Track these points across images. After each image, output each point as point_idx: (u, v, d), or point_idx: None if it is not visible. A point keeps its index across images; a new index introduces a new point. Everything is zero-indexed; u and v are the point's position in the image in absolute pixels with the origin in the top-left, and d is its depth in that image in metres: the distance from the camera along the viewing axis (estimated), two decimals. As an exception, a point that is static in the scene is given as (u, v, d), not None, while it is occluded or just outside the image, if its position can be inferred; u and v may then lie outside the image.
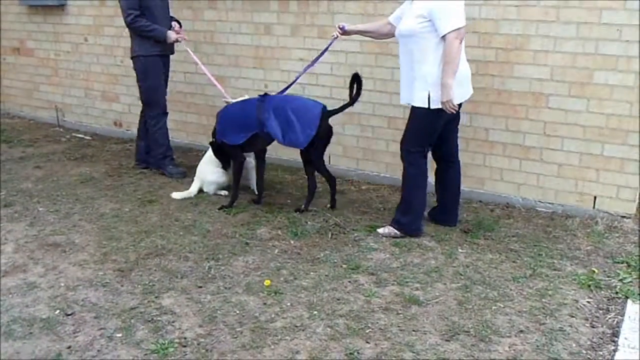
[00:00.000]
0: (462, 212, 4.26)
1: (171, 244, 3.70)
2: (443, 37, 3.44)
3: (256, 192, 4.52)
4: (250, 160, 4.58)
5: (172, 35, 4.70)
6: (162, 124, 4.91)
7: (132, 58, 4.84)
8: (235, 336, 2.77)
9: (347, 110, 4.19)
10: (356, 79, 4.06)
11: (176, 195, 4.54)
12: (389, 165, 4.86)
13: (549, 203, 4.28)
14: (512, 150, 4.36)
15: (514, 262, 3.51)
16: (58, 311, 2.97)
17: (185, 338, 2.75)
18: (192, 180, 4.64)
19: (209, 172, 4.56)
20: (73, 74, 6.38)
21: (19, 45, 6.72)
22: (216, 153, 4.49)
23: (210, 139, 4.50)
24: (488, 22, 4.26)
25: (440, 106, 3.56)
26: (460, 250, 3.69)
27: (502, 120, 4.36)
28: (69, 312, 2.95)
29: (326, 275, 3.35)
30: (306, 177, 4.27)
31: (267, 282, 3.22)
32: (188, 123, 5.77)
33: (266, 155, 4.51)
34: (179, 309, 2.99)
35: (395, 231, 3.84)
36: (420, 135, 3.77)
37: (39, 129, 6.48)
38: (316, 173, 4.25)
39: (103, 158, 5.52)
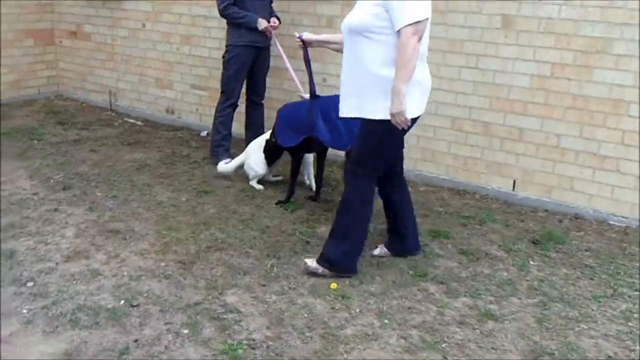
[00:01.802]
0: (528, 221, 4.05)
1: (231, 238, 3.57)
2: (398, 32, 2.77)
3: (313, 189, 4.37)
4: (309, 155, 4.43)
5: (262, 22, 4.56)
6: (227, 114, 4.81)
7: (225, 47, 4.75)
8: (305, 341, 2.62)
9: None
10: None
11: (220, 166, 4.54)
12: (449, 168, 4.66)
13: (623, 217, 4.02)
14: (585, 159, 4.11)
15: (591, 279, 3.29)
16: (123, 301, 2.86)
17: (253, 340, 2.61)
18: (245, 174, 4.51)
19: (255, 157, 4.42)
20: (128, 59, 6.31)
21: (75, 29, 6.68)
22: (266, 151, 4.35)
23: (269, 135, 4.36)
24: (567, 22, 4.01)
25: None
26: (531, 262, 3.48)
27: (576, 126, 4.10)
28: (134, 304, 2.84)
29: (393, 282, 3.17)
30: None
31: (333, 285, 3.07)
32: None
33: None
34: (244, 307, 2.86)
35: (324, 269, 3.15)
36: (373, 155, 3.05)
37: (91, 112, 6.43)
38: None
39: (156, 145, 5.44)
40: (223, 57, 4.76)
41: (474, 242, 3.71)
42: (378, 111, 2.90)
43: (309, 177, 4.49)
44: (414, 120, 2.99)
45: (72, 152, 5.08)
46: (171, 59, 5.97)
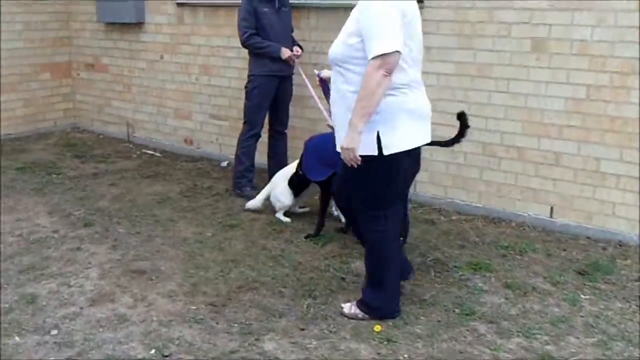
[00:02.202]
0: (570, 250, 3.82)
1: (262, 277, 3.36)
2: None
3: (342, 220, 4.17)
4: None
5: (285, 51, 4.42)
6: (250, 144, 4.65)
7: (247, 77, 4.62)
8: (353, 393, 2.40)
9: (436, 134, 3.69)
10: (461, 118, 3.42)
11: (248, 204, 4.37)
12: (482, 195, 4.44)
13: (671, 243, 3.80)
14: (627, 183, 3.89)
15: (649, 313, 3.05)
16: (154, 350, 2.65)
17: (298, 392, 2.40)
18: (270, 206, 4.32)
19: (281, 188, 4.22)
20: (146, 91, 6.19)
21: (93, 62, 6.58)
22: (291, 183, 4.16)
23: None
24: (601, 44, 3.84)
25: (395, 150, 2.66)
26: (582, 296, 3.24)
27: (615, 150, 3.90)
28: (166, 353, 2.63)
29: (439, 322, 2.95)
30: None
31: (377, 328, 2.84)
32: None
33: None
34: (284, 355, 2.64)
35: (364, 314, 2.93)
36: (378, 193, 2.80)
37: (109, 144, 6.29)
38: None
39: (176, 177, 5.27)
40: (245, 87, 4.62)
41: (518, 275, 3.48)
42: (370, 145, 2.65)
43: (338, 208, 4.30)
44: (410, 152, 2.73)
45: (92, 186, 4.92)
46: (190, 89, 5.84)
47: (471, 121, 4.27)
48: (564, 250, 3.85)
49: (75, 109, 6.92)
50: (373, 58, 2.50)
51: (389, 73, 2.52)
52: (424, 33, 4.38)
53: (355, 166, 2.64)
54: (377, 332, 2.82)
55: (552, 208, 4.19)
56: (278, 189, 4.23)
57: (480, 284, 3.35)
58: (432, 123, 4.41)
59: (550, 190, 4.17)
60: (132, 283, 3.28)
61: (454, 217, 4.41)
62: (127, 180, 5.11)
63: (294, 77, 4.73)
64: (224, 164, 5.59)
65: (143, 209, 4.41)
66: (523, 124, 4.19)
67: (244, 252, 3.68)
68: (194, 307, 3.03)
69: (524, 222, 4.26)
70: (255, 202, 4.33)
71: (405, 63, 2.63)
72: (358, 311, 2.95)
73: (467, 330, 2.88)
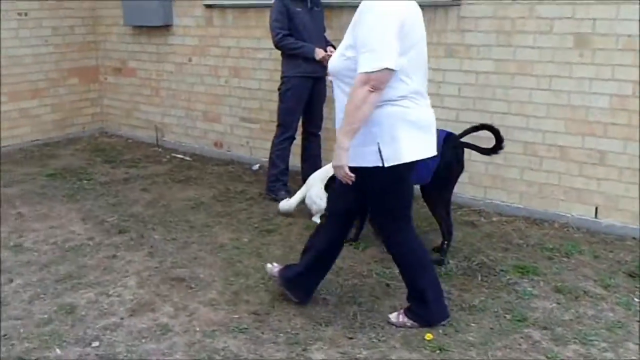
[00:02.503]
0: (617, 252, 3.68)
1: (304, 283, 3.28)
2: None
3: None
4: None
5: (319, 52, 4.31)
6: (284, 147, 4.55)
7: (281, 79, 4.54)
8: (410, 406, 2.30)
9: (474, 134, 3.60)
10: (490, 130, 3.45)
11: (281, 205, 4.29)
12: (523, 195, 4.31)
13: None
14: (677, 182, 3.74)
15: None
16: (200, 363, 2.58)
17: (352, 406, 2.30)
18: (306, 209, 4.22)
19: (317, 190, 4.12)
20: (175, 94, 6.14)
21: (120, 66, 6.55)
22: (328, 187, 4.05)
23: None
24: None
25: (395, 162, 2.57)
26: (635, 299, 3.10)
27: (665, 148, 3.75)
28: (213, 366, 2.56)
29: (491, 329, 2.83)
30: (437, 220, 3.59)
31: (428, 336, 2.73)
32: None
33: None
34: (334, 366, 2.55)
35: (412, 322, 2.84)
36: (389, 204, 2.75)
37: (138, 149, 6.26)
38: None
39: (208, 181, 5.21)
40: (279, 89, 4.53)
41: (567, 278, 3.35)
42: (373, 157, 2.58)
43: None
44: (410, 164, 2.61)
45: (123, 192, 4.87)
46: (219, 92, 5.77)
47: (511, 120, 4.24)
48: (611, 251, 3.70)
49: (103, 113, 6.90)
50: (360, 73, 2.43)
51: (375, 89, 2.43)
52: (463, 31, 4.34)
53: (350, 183, 2.57)
54: (429, 341, 2.71)
55: (596, 208, 4.03)
56: (314, 190, 4.14)
57: (529, 289, 3.22)
58: (472, 122, 4.35)
59: (595, 190, 4.02)
60: (172, 291, 3.21)
61: (494, 219, 4.28)
62: (158, 185, 5.05)
63: (327, 78, 4.63)
64: (256, 167, 5.52)
65: (177, 215, 4.35)
66: (566, 122, 4.04)
67: (283, 258, 3.59)
68: (237, 317, 2.95)
69: (567, 223, 4.12)
70: (290, 204, 4.25)
71: (404, 75, 2.52)
72: (406, 319, 2.85)
73: (522, 337, 2.76)
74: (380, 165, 2.57)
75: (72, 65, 6.56)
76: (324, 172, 4.15)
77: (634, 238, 3.87)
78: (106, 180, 5.18)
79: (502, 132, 4.24)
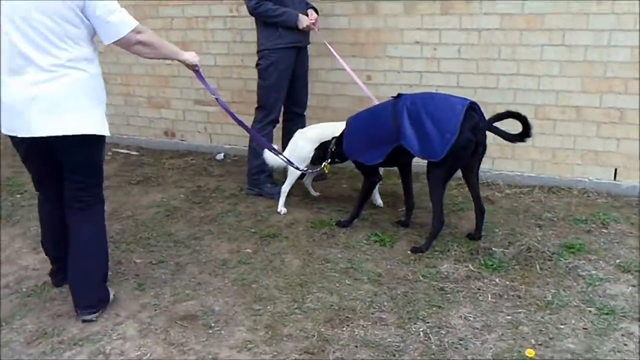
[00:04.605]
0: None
1: (347, 300, 2.67)
2: None
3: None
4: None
5: (304, 19, 3.61)
6: (267, 133, 3.81)
7: (257, 53, 3.77)
8: None
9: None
10: (516, 118, 2.92)
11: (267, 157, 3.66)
12: (535, 163, 3.94)
13: None
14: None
15: None
16: None
17: None
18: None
19: (305, 150, 3.58)
20: (108, 78, 5.10)
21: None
22: (318, 156, 3.52)
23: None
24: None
25: None
26: None
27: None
28: None
29: (585, 329, 2.41)
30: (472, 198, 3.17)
31: (529, 352, 2.23)
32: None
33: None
34: (439, 413, 2.01)
35: None
36: None
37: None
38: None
39: (170, 179, 4.38)
40: (257, 65, 3.78)
41: (621, 253, 3.02)
42: None
43: (376, 195, 3.69)
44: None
45: (72, 204, 3.94)
46: (165, 72, 4.89)
47: (520, 82, 3.81)
48: (643, 215, 3.44)
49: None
50: None
51: None
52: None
53: None
54: (530, 358, 2.23)
55: (615, 170, 3.75)
56: (299, 149, 3.61)
57: (593, 272, 2.84)
58: (476, 87, 3.88)
59: (614, 151, 3.72)
60: (188, 336, 2.47)
61: (508, 191, 3.88)
62: (113, 191, 4.15)
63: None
64: (220, 156, 4.76)
65: (152, 227, 3.54)
66: (582, 80, 3.67)
67: (306, 270, 2.95)
68: (286, 360, 2.31)
69: (585, 188, 3.81)
70: (278, 160, 3.57)
71: None
72: None
73: (622, 335, 2.36)
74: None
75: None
76: (313, 132, 3.60)
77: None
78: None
79: (509, 96, 3.89)
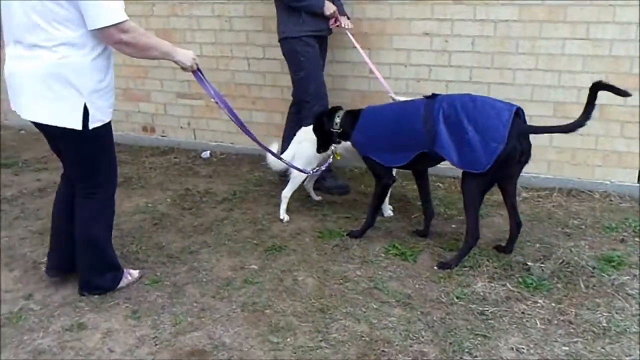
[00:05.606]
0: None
1: (378, 330, 2.29)
2: None
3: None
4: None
5: (330, 6, 3.26)
6: None
7: (279, 41, 3.41)
8: None
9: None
10: (600, 89, 2.54)
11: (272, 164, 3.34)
12: (552, 164, 3.65)
13: None
14: None
15: None
16: None
17: None
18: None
19: (306, 149, 3.25)
20: (79, 68, 4.57)
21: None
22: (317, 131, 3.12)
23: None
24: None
25: None
26: None
27: None
28: None
29: (648, 360, 2.12)
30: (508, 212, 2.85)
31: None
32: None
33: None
34: None
35: None
36: None
37: (39, 143, 4.62)
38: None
39: (154, 180, 3.90)
40: (286, 54, 3.43)
41: (665, 266, 2.75)
42: None
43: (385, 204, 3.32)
44: None
45: (46, 209, 3.41)
46: (144, 62, 4.35)
47: (539, 77, 3.52)
48: (673, 221, 3.19)
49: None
50: None
51: None
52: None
53: None
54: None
55: (639, 172, 3.50)
56: (303, 148, 3.27)
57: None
58: (490, 82, 3.57)
59: (638, 152, 3.46)
60: (199, 378, 2.07)
61: (525, 194, 3.58)
62: (88, 194, 3.64)
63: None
64: (206, 154, 4.31)
65: (139, 238, 3.08)
66: (607, 76, 3.36)
67: (325, 292, 2.56)
68: (322, 410, 1.92)
69: (607, 191, 3.55)
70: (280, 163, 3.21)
71: None
72: None
73: (695, 368, 2.08)
74: None
75: None
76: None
77: None
78: (14, 194, 3.67)
79: (526, 92, 3.60)
